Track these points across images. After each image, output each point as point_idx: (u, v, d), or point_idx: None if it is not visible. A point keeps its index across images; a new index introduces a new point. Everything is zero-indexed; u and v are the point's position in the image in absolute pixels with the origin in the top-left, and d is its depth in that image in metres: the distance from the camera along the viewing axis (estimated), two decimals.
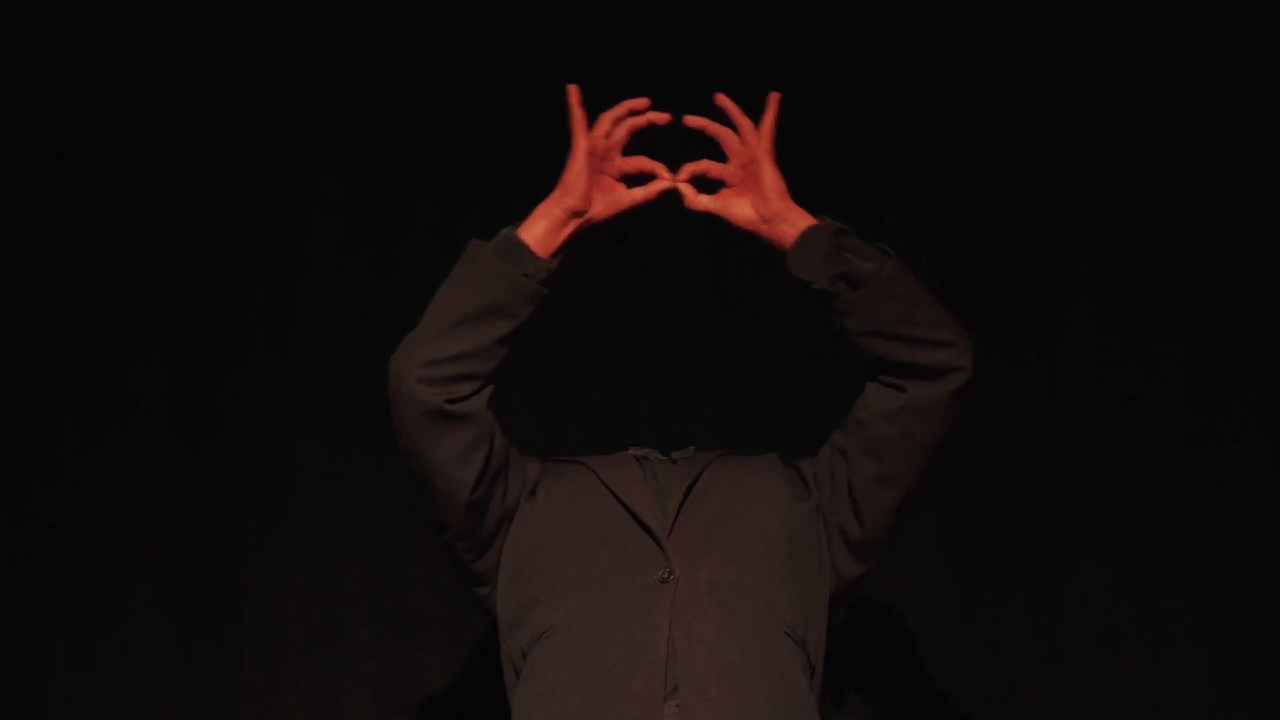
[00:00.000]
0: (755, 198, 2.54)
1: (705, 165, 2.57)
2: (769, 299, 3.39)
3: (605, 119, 2.55)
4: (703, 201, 2.56)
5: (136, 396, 3.44)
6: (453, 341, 2.43)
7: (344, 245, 3.49)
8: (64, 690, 3.37)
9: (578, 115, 2.53)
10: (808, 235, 2.49)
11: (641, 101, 2.56)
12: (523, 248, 2.47)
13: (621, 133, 2.56)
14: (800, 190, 3.43)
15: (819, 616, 2.50)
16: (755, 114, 2.59)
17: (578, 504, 2.51)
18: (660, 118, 2.55)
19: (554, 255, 2.50)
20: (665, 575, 2.41)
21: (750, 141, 2.55)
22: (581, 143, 2.52)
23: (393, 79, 3.50)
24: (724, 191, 2.57)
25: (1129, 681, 3.37)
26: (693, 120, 2.57)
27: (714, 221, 2.58)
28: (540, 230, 2.50)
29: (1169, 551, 3.40)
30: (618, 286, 3.46)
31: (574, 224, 2.52)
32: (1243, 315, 3.43)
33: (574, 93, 2.53)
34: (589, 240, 3.43)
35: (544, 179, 3.47)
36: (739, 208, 2.55)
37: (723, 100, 2.57)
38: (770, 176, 2.54)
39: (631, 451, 2.63)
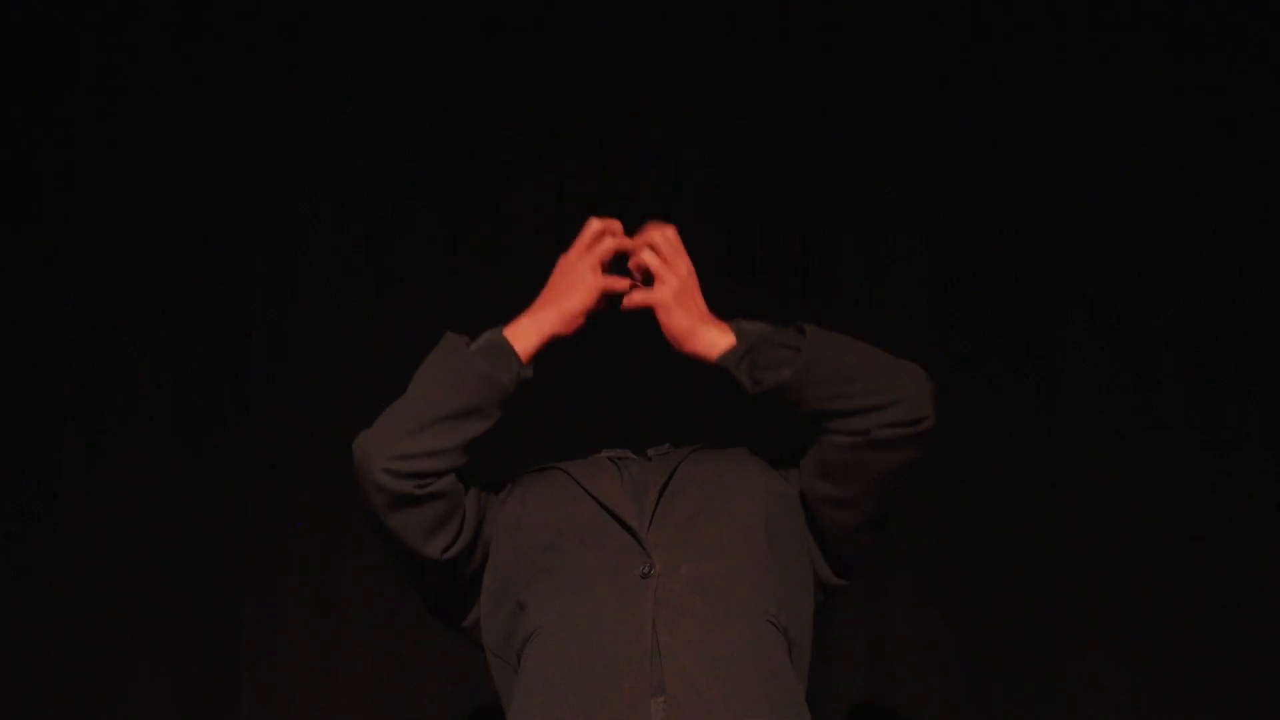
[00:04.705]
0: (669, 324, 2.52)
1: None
2: (771, 298, 3.40)
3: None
4: (637, 298, 2.54)
5: (136, 396, 3.44)
6: (428, 439, 2.42)
7: (344, 245, 3.49)
8: (64, 690, 3.37)
9: (608, 249, 2.51)
10: (721, 365, 2.49)
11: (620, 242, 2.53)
12: (512, 355, 2.47)
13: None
14: (801, 196, 3.45)
15: (804, 604, 2.49)
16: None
17: (556, 509, 2.51)
18: (627, 244, 2.52)
19: (529, 364, 2.50)
20: (646, 570, 2.41)
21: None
22: (601, 282, 2.52)
23: (392, 79, 3.50)
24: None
25: (1129, 682, 3.37)
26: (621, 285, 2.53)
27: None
28: (533, 340, 2.49)
29: (1168, 555, 3.40)
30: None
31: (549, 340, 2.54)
32: (1239, 320, 3.44)
33: (618, 230, 2.52)
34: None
35: (543, 180, 3.51)
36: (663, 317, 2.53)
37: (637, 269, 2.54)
38: (666, 328, 2.51)
39: (605, 453, 2.61)
